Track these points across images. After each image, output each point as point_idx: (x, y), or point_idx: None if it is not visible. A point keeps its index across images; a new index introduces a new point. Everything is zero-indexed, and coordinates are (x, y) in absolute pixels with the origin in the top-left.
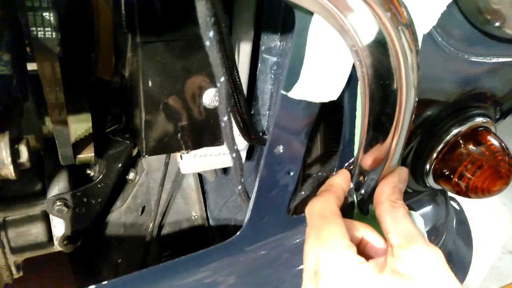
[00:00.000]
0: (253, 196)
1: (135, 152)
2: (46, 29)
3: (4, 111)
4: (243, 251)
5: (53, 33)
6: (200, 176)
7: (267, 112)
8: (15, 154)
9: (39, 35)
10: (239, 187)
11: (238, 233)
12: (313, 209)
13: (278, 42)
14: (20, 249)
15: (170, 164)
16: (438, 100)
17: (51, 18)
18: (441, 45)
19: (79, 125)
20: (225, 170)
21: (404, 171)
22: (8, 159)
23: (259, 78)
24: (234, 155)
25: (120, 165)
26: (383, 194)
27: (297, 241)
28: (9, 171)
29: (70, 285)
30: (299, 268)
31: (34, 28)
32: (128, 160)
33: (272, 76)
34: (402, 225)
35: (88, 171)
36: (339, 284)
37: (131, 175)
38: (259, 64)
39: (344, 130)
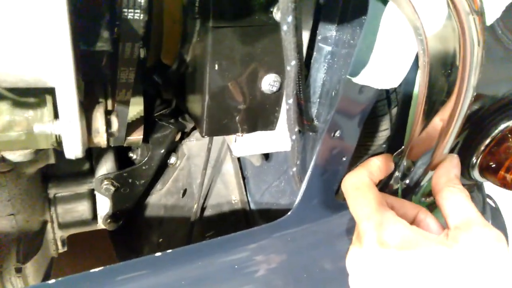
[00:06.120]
0: (306, 178)
1: (178, 137)
2: (136, 11)
3: (100, 84)
4: (290, 231)
5: (141, 15)
6: (239, 162)
7: (318, 100)
8: (107, 124)
9: (129, 16)
10: (294, 169)
11: (289, 213)
12: (346, 182)
13: (334, 32)
14: (67, 225)
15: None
16: (489, 94)
17: (142, 1)
18: (500, 38)
19: (133, 108)
20: (267, 157)
21: (454, 158)
22: (103, 128)
23: (313, 67)
24: (293, 137)
25: (163, 149)
26: (440, 181)
27: (343, 225)
28: (102, 139)
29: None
30: (344, 250)
31: (126, 10)
32: (170, 145)
33: (326, 65)
34: (463, 209)
35: (131, 154)
36: (377, 245)
37: (172, 159)
38: (314, 53)
39: (395, 118)
